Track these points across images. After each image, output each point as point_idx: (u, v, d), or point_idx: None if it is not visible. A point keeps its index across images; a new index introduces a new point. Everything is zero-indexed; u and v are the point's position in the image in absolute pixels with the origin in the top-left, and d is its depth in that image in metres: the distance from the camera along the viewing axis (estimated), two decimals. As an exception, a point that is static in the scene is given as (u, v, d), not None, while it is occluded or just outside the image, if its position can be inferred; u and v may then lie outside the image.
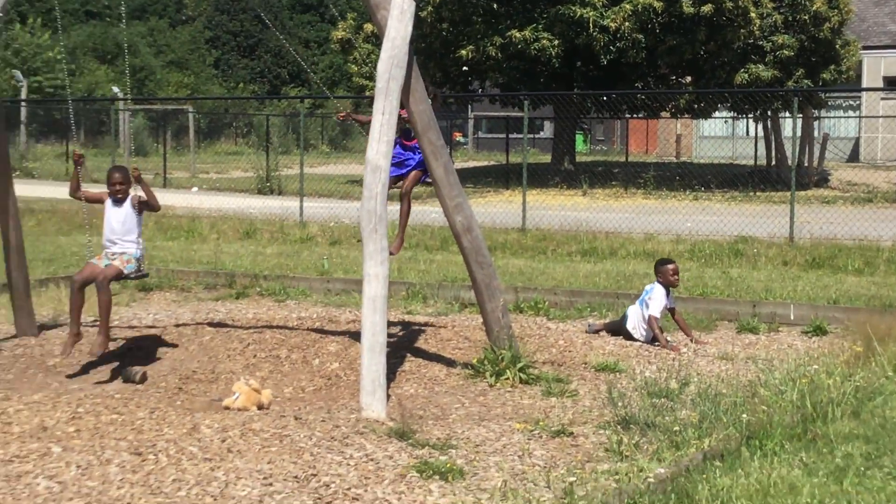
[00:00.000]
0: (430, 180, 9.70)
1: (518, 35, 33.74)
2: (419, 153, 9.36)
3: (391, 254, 8.39)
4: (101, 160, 41.27)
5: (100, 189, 10.27)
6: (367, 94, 42.65)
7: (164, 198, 27.37)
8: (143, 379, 9.20)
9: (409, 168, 9.73)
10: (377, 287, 7.89)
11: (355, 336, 9.78)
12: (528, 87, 36.68)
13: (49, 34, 65.51)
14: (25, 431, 7.02)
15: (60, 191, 30.43)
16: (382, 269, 7.94)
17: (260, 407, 8.11)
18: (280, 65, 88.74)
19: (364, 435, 6.99)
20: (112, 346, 10.30)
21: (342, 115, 10.20)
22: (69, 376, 9.32)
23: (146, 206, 9.63)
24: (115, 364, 9.62)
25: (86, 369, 9.56)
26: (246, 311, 12.11)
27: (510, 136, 40.79)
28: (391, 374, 8.42)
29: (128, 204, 9.50)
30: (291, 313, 11.94)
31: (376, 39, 39.45)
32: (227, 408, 8.05)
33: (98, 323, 9.53)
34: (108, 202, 9.55)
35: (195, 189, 33.51)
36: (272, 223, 21.64)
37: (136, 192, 9.58)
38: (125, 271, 9.38)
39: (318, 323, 11.12)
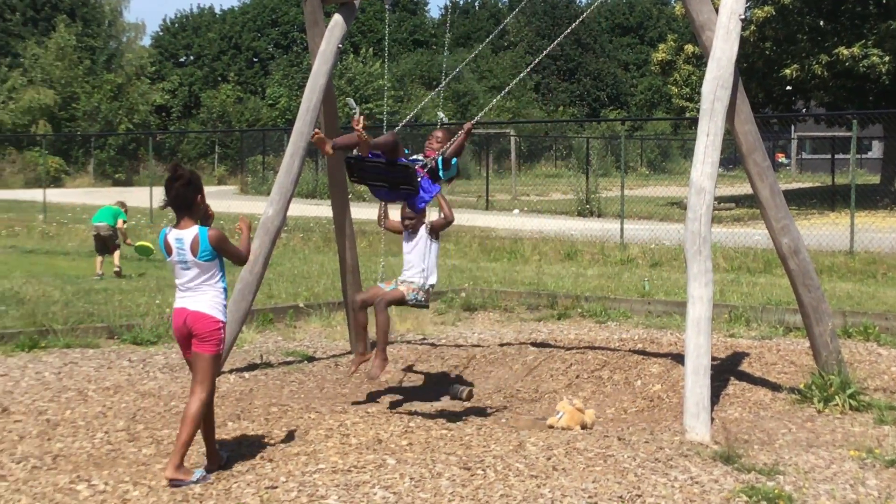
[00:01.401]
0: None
1: (846, 52, 32.50)
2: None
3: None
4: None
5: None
6: (688, 115, 42.27)
7: (487, 220, 28.22)
8: (470, 396, 9.50)
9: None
10: (701, 309, 7.85)
11: (677, 358, 9.74)
12: (855, 106, 35.24)
13: (379, 63, 68.62)
14: (362, 443, 7.41)
15: (391, 213, 31.76)
16: (707, 291, 7.89)
17: (583, 426, 8.21)
18: (599, 87, 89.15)
19: (688, 457, 6.96)
20: (438, 364, 10.71)
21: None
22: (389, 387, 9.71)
23: (442, 225, 9.24)
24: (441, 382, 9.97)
25: (414, 389, 9.96)
26: (568, 332, 12.26)
27: (836, 156, 39.29)
28: (714, 398, 8.33)
29: (421, 235, 9.18)
30: (613, 334, 12.00)
31: (697, 60, 39.07)
32: (551, 426, 8.20)
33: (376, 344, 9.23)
34: (404, 234, 9.35)
35: (516, 211, 34.15)
36: (593, 245, 21.77)
37: (431, 218, 9.22)
38: (407, 298, 9.03)
39: (639, 344, 11.13)
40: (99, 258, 17.66)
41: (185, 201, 6.67)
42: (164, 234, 6.77)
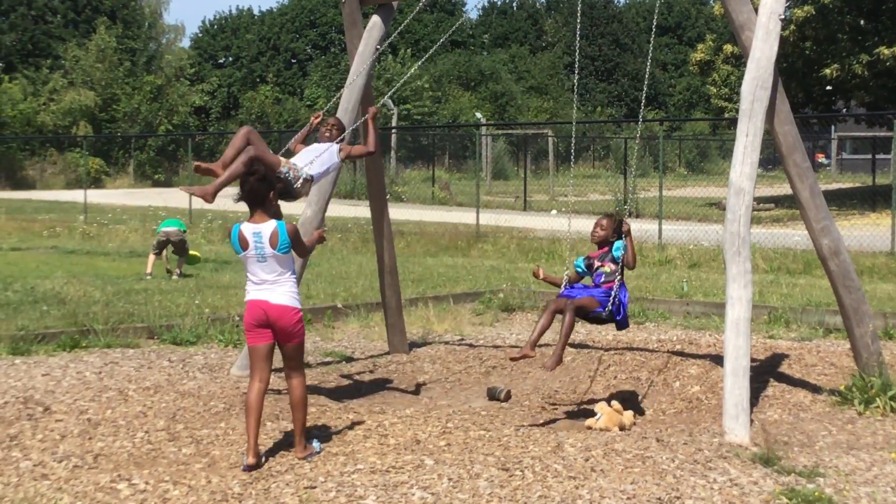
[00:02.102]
0: (601, 313, 8.79)
1: (887, 52, 32.23)
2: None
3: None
4: (465, 184, 42.85)
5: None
6: (727, 115, 42.05)
7: (525, 221, 28.15)
8: (508, 397, 9.51)
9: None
10: (741, 310, 7.82)
11: (716, 359, 9.70)
12: (897, 106, 34.98)
13: (417, 64, 68.66)
14: (400, 444, 7.43)
15: (428, 214, 31.88)
16: (746, 293, 7.85)
17: (622, 428, 8.19)
18: (637, 88, 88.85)
19: (727, 459, 6.93)
20: (476, 364, 10.74)
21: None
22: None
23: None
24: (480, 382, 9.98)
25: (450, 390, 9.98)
26: (606, 333, 12.21)
27: (877, 156, 38.96)
28: (754, 399, 8.29)
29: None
30: (651, 335, 11.96)
31: (736, 60, 38.86)
32: (589, 428, 8.19)
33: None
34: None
35: (554, 212, 34.08)
36: (630, 246, 21.65)
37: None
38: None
39: (678, 346, 11.09)
40: (153, 258, 17.68)
41: (259, 196, 6.96)
42: (238, 229, 7.01)
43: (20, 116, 57.93)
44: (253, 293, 7.05)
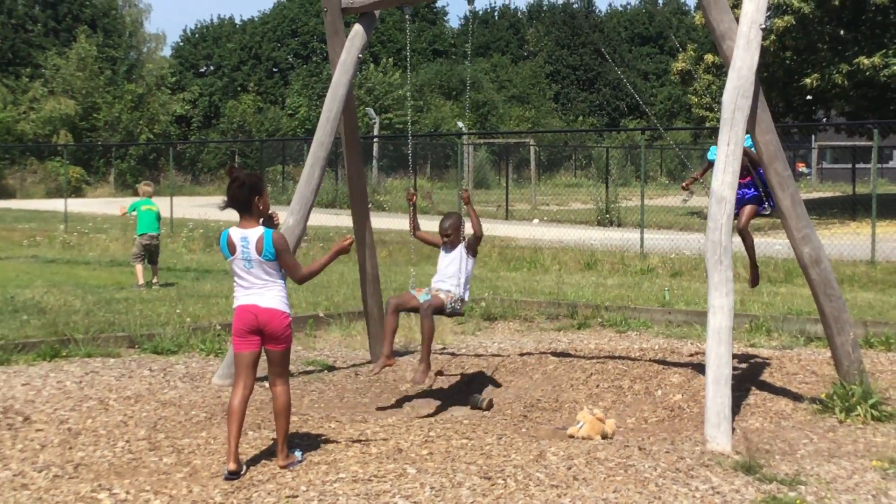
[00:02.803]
0: (765, 212, 9.59)
1: (866, 62, 32.40)
2: (752, 189, 9.41)
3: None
4: (447, 193, 42.84)
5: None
6: (708, 125, 42.18)
7: (507, 229, 28.19)
8: (490, 406, 9.50)
9: (742, 203, 9.74)
10: (722, 318, 7.83)
11: (698, 368, 9.71)
12: (876, 115, 35.15)
13: (399, 73, 68.74)
14: (382, 453, 7.41)
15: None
16: (727, 301, 7.87)
17: (604, 436, 8.20)
18: (619, 97, 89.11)
19: (709, 467, 6.94)
20: (458, 373, 10.72)
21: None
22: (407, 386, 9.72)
23: (474, 241, 9.44)
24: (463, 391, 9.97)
25: (435, 394, 9.97)
26: (588, 342, 12.24)
27: (857, 165, 39.17)
28: (735, 407, 8.31)
29: (459, 251, 9.44)
30: (633, 344, 11.98)
31: (717, 70, 38.99)
32: (571, 436, 8.19)
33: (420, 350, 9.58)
34: (442, 247, 9.58)
35: (536, 221, 34.12)
36: (612, 254, 21.74)
37: (467, 236, 9.50)
38: (446, 305, 9.29)
39: (660, 354, 11.10)
40: (139, 267, 17.60)
41: (242, 201, 6.99)
42: (227, 234, 7.06)
43: (0, 125, 57.69)
44: (242, 298, 7.06)
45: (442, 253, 9.56)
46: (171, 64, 78.85)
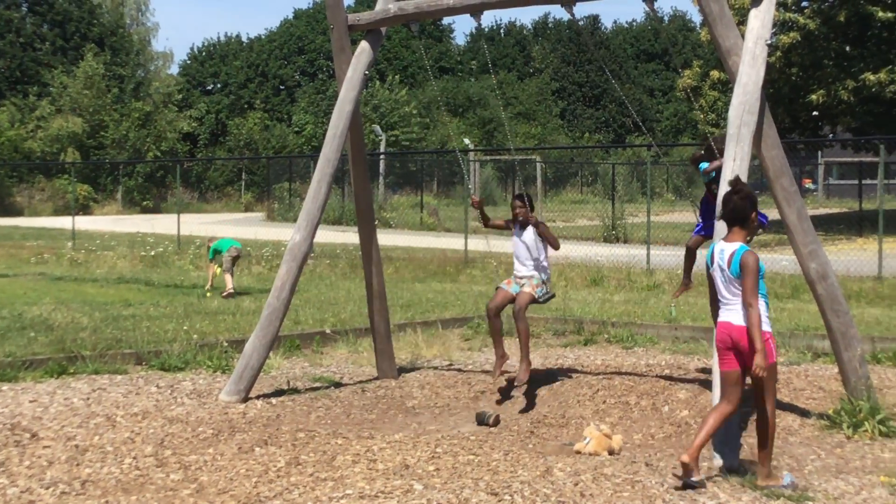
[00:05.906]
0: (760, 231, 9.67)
1: (872, 78, 32.43)
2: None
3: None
4: (453, 210, 42.89)
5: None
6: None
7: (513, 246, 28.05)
8: (497, 422, 9.49)
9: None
10: (729, 334, 7.81)
11: (705, 384, 9.70)
12: (883, 131, 35.11)
13: (405, 90, 68.87)
14: (389, 469, 7.42)
15: (416, 239, 31.86)
16: (734, 317, 7.85)
17: (611, 452, 8.19)
18: (625, 114, 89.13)
19: (717, 483, 6.94)
20: (465, 389, 10.72)
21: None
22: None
23: (551, 237, 10.21)
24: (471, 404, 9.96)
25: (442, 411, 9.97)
26: (594, 358, 12.23)
27: (863, 181, 39.16)
28: (743, 423, 8.29)
29: (530, 233, 10.14)
30: (640, 360, 11.96)
31: (723, 86, 39.02)
32: (578, 452, 8.19)
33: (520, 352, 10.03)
34: (515, 228, 10.32)
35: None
36: (619, 270, 21.72)
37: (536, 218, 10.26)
38: (536, 295, 9.98)
39: (666, 370, 11.09)
40: (229, 276, 18.75)
41: (740, 214, 7.05)
42: (714, 246, 7.20)
43: (8, 143, 57.89)
44: (721, 314, 7.12)
45: (515, 239, 10.25)
46: (178, 81, 79.06)
